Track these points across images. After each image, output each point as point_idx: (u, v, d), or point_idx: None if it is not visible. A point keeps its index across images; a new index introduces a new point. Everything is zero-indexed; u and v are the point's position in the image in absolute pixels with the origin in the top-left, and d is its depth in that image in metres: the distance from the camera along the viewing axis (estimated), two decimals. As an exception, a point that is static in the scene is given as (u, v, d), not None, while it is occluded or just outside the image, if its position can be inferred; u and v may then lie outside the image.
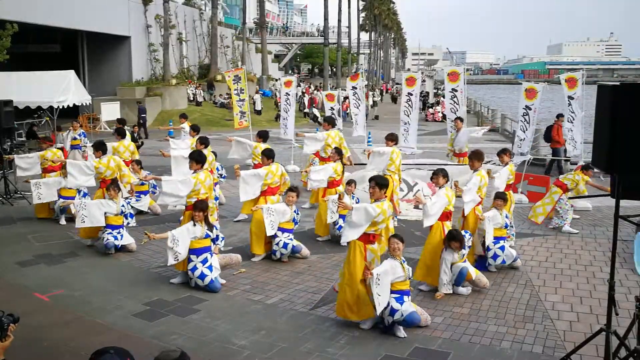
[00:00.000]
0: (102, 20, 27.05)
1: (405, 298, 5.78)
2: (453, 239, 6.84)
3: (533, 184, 11.92)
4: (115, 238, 8.40)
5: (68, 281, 7.33)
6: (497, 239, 7.73)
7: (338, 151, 9.71)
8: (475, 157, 8.07)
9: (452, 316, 6.33)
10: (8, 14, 19.38)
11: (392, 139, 10.04)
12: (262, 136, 10.71)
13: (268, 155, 8.69)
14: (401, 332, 5.77)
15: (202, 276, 6.99)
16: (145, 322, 6.09)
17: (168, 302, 6.66)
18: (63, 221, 10.12)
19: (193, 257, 7.05)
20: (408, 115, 13.97)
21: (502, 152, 9.07)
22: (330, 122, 11.55)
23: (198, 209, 7.08)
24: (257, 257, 8.25)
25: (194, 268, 7.01)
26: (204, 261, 7.06)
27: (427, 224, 6.93)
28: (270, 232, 7.90)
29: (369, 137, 16.90)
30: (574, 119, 12.41)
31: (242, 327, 5.98)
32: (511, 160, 9.24)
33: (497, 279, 7.50)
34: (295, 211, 8.29)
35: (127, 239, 8.55)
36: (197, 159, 7.62)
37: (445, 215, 7.12)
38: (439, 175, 7.18)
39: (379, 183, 6.13)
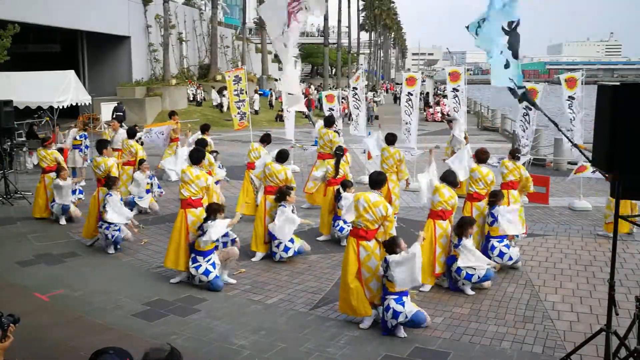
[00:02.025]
0: (102, 20, 27.04)
1: (405, 298, 5.79)
2: (470, 224, 6.99)
3: (533, 183, 11.89)
4: (119, 230, 8.38)
5: (68, 281, 7.33)
6: (501, 238, 7.72)
7: (339, 149, 9.79)
8: (476, 155, 8.18)
9: (452, 316, 6.34)
10: (8, 14, 19.38)
11: (388, 138, 10.17)
12: (265, 140, 10.69)
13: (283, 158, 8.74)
14: (401, 332, 5.77)
15: (207, 272, 7.02)
16: (145, 322, 6.09)
17: (168, 302, 6.66)
18: (63, 221, 10.12)
19: (200, 258, 7.07)
20: (409, 115, 13.95)
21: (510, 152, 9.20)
22: (328, 124, 11.66)
23: (216, 211, 7.07)
24: (257, 256, 8.26)
25: (198, 266, 7.04)
26: (208, 260, 7.10)
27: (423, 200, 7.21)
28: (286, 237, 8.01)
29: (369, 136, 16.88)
30: (574, 119, 12.40)
31: (242, 327, 5.98)
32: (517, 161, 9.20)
33: (497, 279, 7.50)
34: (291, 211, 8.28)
35: (124, 231, 8.55)
36: (190, 158, 7.57)
37: (438, 214, 7.13)
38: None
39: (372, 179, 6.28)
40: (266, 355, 5.39)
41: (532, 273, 7.74)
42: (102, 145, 9.51)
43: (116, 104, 24.08)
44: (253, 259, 8.21)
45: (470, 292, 6.98)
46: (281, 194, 8.10)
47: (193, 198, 7.37)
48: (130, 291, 7.01)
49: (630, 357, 4.50)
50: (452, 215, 7.30)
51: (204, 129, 11.94)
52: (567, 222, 10.40)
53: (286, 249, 8.04)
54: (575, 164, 12.50)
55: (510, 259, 7.71)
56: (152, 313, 6.34)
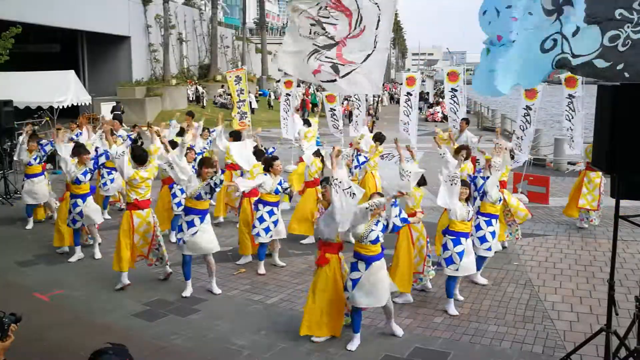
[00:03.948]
0: (102, 20, 27.03)
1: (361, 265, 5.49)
2: (462, 149, 6.68)
3: (533, 184, 11.93)
4: (74, 222, 8.11)
5: (68, 281, 7.34)
6: (489, 218, 7.09)
7: (316, 152, 9.63)
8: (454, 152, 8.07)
9: (452, 316, 6.33)
10: (8, 14, 19.37)
11: (377, 138, 10.24)
12: (234, 136, 10.57)
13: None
14: (398, 330, 5.72)
15: (179, 229, 6.88)
16: (145, 322, 6.10)
17: (168, 302, 6.66)
18: (30, 225, 9.94)
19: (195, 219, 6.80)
20: (408, 115, 13.94)
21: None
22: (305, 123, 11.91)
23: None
24: (242, 259, 8.16)
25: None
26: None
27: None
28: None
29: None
30: (572, 118, 12.39)
31: (242, 327, 5.98)
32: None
33: (497, 279, 7.50)
34: (279, 183, 7.79)
35: (93, 215, 8.18)
36: (134, 158, 7.33)
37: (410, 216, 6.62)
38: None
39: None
40: (266, 355, 5.39)
41: (532, 273, 7.74)
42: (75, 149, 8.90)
43: (114, 104, 24.06)
44: (238, 262, 8.14)
45: (483, 281, 6.87)
46: (266, 163, 7.78)
47: (140, 199, 7.21)
48: (130, 291, 7.02)
49: (630, 357, 4.50)
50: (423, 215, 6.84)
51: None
52: (567, 222, 10.39)
53: (266, 230, 7.64)
54: (574, 163, 12.50)
55: (489, 249, 7.14)
56: (152, 313, 6.34)
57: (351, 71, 7.56)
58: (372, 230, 5.48)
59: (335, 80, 7.64)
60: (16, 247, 8.78)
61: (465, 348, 5.57)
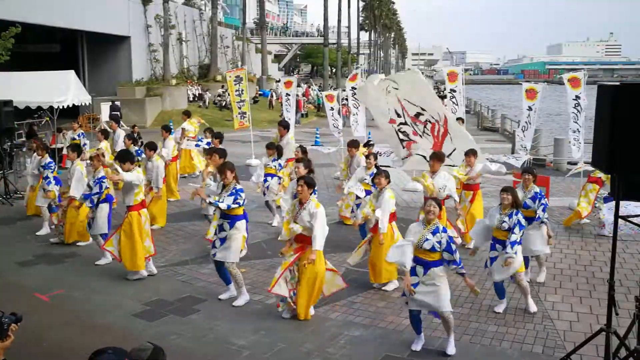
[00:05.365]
0: (102, 20, 27.04)
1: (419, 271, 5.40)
2: (504, 191, 6.33)
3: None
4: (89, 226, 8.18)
5: (68, 281, 7.33)
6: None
7: (303, 150, 9.60)
8: (436, 158, 8.09)
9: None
10: (8, 14, 19.38)
11: (353, 146, 10.06)
12: (218, 137, 10.76)
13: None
14: (451, 347, 5.48)
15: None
16: (145, 322, 6.09)
17: (168, 302, 6.66)
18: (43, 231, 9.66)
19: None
20: (409, 115, 13.95)
21: (470, 152, 8.71)
22: (286, 127, 11.26)
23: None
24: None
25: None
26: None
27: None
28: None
29: (369, 137, 16.89)
30: (578, 119, 12.39)
31: (242, 327, 5.98)
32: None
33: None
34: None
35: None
36: (121, 159, 7.34)
37: (392, 216, 7.11)
38: (381, 176, 7.03)
39: (308, 182, 6.11)
40: (266, 355, 5.39)
41: (532, 273, 7.72)
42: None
43: (111, 103, 23.99)
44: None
45: (499, 310, 6.45)
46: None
47: (142, 199, 7.43)
48: (130, 291, 7.01)
49: (630, 357, 4.51)
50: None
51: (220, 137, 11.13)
52: (567, 222, 10.38)
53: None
54: (575, 164, 12.50)
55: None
56: (152, 313, 6.34)
57: (403, 149, 10.01)
58: (427, 239, 5.37)
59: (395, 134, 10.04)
60: (16, 247, 8.78)
61: (465, 348, 5.57)
